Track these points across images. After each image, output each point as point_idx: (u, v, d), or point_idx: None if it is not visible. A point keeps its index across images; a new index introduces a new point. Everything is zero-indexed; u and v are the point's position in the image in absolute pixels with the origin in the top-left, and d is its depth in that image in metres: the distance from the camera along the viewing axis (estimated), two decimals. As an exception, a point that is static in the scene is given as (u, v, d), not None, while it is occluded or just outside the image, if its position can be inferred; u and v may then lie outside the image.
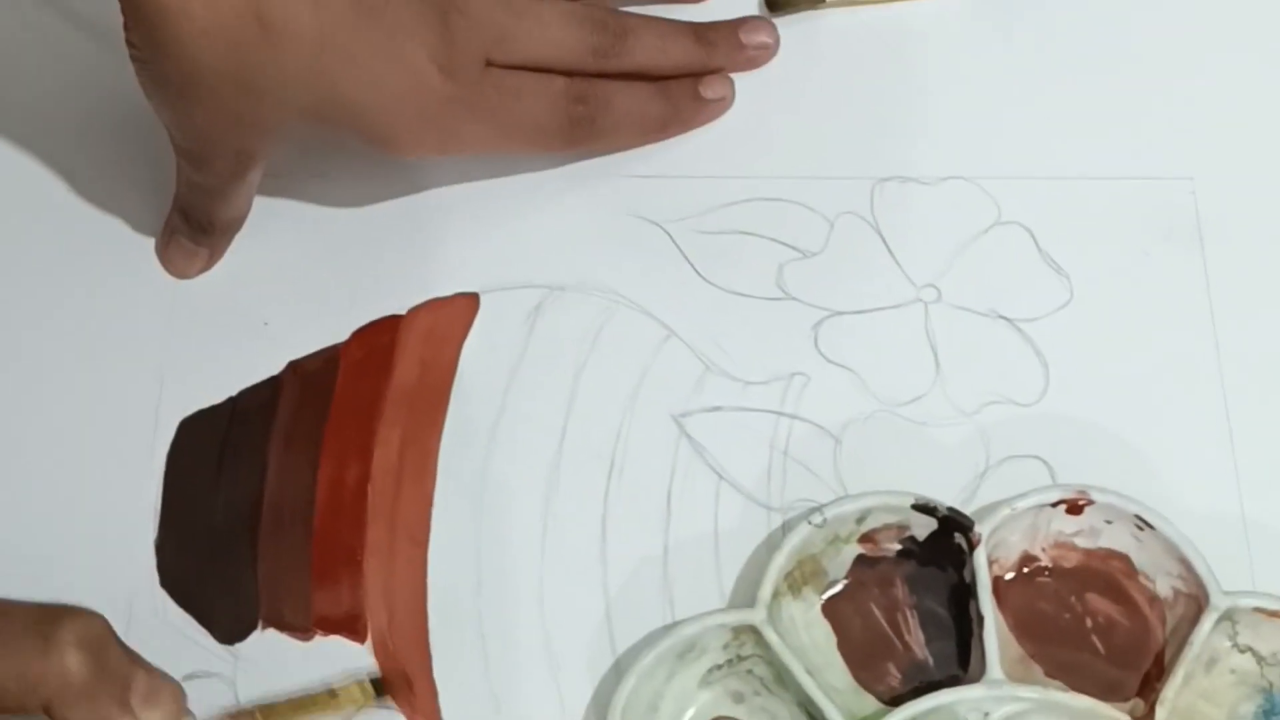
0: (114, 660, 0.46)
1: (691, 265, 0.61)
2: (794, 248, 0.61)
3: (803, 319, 0.60)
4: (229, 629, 0.56)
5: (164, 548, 0.57)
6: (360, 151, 0.59)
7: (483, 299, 0.60)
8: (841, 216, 0.61)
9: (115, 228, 0.62)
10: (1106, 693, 0.53)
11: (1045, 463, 0.57)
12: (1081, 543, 0.55)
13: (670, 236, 0.61)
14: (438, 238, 0.61)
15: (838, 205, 0.61)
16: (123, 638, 0.50)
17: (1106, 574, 0.55)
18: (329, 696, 0.53)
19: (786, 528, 0.56)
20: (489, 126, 0.58)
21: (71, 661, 0.45)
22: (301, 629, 0.56)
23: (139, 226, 0.61)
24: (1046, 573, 0.56)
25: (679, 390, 0.59)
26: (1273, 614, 0.53)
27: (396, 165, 0.61)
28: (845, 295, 0.60)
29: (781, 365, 0.59)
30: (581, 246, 0.61)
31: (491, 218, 0.61)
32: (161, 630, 0.55)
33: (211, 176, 0.57)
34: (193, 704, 0.51)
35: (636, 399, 0.59)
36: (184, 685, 0.53)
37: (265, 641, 0.55)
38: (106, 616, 0.53)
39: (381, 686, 0.54)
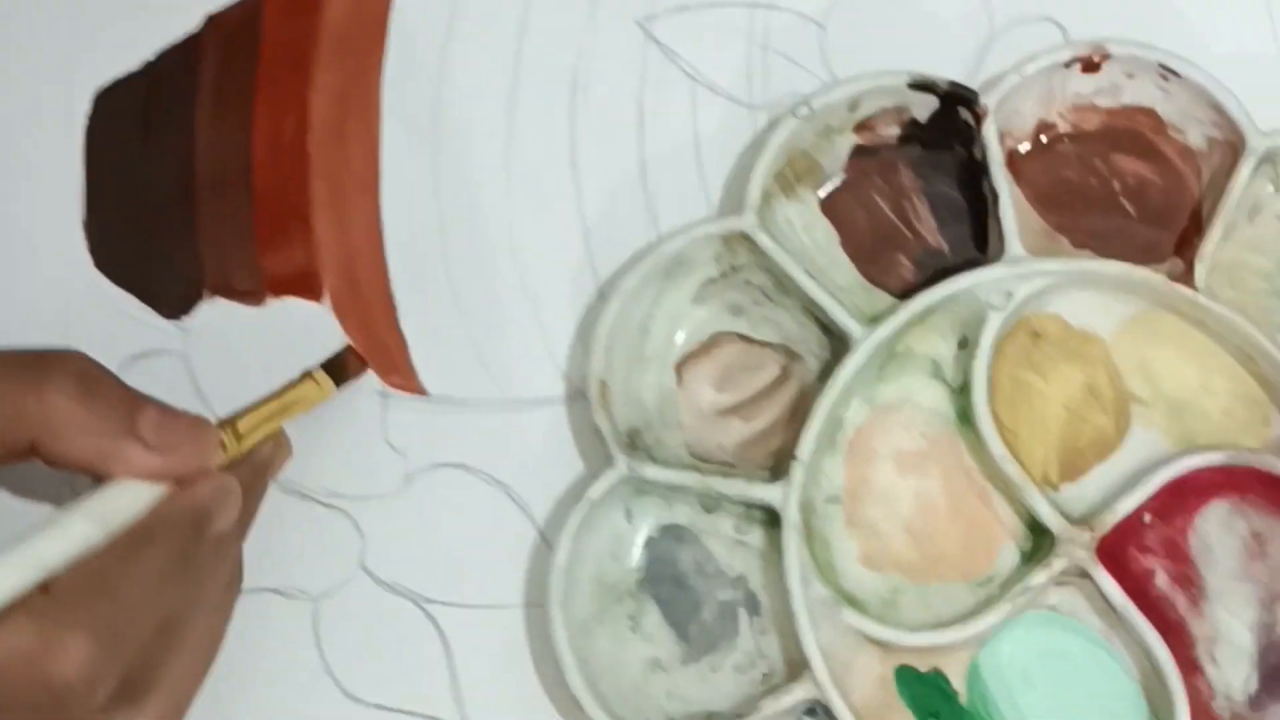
0: (112, 393, 0.43)
1: None
2: None
3: (766, -102, 0.54)
4: (173, 302, 0.52)
5: (93, 227, 0.52)
6: None
7: (412, -84, 0.54)
8: None
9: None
10: (1141, 256, 0.49)
11: (1057, 24, 0.52)
12: (1102, 102, 0.51)
13: None
14: None
15: None
16: (63, 325, 0.48)
17: (1132, 131, 0.51)
18: (281, 398, 0.48)
19: (772, 124, 0.51)
20: None
21: (61, 394, 0.42)
22: (251, 293, 0.51)
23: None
24: (1066, 139, 0.51)
25: (640, -7, 0.53)
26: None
27: None
28: None
29: (750, -49, 0.53)
30: None
31: None
32: (103, 313, 0.51)
33: None
34: (148, 384, 0.45)
35: (596, 7, 0.53)
36: (135, 365, 0.49)
37: (215, 311, 0.51)
38: (44, 301, 0.50)
39: (338, 367, 0.49)
